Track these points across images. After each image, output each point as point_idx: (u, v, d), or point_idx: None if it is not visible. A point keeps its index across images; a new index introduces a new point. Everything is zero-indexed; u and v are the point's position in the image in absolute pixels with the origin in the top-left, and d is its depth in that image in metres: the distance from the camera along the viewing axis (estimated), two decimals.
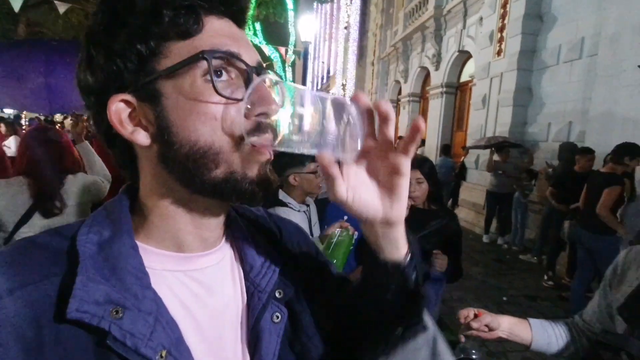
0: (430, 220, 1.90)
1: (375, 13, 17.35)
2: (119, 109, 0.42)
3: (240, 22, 0.46)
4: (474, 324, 1.03)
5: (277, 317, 0.50)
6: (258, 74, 0.43)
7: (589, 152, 4.21)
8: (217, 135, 0.41)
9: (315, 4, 12.95)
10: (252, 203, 0.47)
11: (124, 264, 0.40)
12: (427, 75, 11.86)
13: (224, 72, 0.41)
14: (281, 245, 0.58)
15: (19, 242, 0.41)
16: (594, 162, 4.17)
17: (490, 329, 1.04)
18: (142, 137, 0.42)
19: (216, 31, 0.42)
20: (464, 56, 9.63)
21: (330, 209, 2.23)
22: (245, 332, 0.49)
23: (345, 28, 22.35)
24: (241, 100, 0.41)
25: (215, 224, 0.48)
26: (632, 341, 0.87)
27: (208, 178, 0.41)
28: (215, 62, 0.40)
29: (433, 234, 1.88)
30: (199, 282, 0.47)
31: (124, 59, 0.40)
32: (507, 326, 1.07)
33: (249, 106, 0.40)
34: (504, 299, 4.02)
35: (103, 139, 0.46)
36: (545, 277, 4.51)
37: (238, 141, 0.41)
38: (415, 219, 1.98)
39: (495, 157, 5.95)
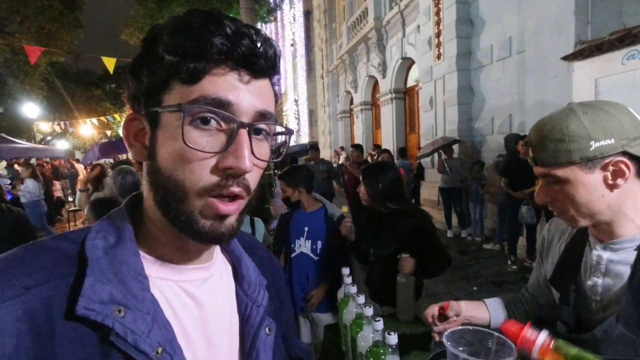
0: (397, 219, 1.93)
1: (319, 29, 17.82)
2: (130, 123, 0.48)
3: (256, 70, 0.47)
4: (450, 313, 1.07)
5: (269, 330, 0.57)
6: (251, 126, 0.45)
7: (524, 139, 4.53)
8: (188, 177, 0.44)
9: (259, 24, 13.06)
10: (204, 241, 0.49)
11: (126, 268, 0.44)
12: (376, 83, 12.29)
13: (212, 120, 0.44)
14: (261, 266, 0.63)
15: (27, 245, 0.44)
16: None
17: (456, 316, 1.09)
18: (137, 152, 0.48)
19: (217, 81, 0.44)
20: (408, 62, 10.11)
21: (293, 221, 2.21)
22: (242, 342, 0.55)
23: (292, 45, 22.72)
24: (212, 153, 0.44)
25: (202, 247, 0.52)
26: (564, 308, 0.89)
27: (170, 208, 0.45)
28: (199, 110, 0.43)
29: (405, 235, 1.90)
30: (187, 293, 0.50)
31: (141, 85, 0.46)
32: (467, 310, 1.11)
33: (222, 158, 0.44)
34: (475, 288, 4.16)
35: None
36: (509, 262, 4.74)
37: (202, 190, 0.44)
38: (381, 220, 2.00)
39: (443, 156, 6.30)
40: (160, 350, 0.43)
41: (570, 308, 0.88)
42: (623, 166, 0.74)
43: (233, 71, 0.45)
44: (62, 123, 14.74)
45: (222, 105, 0.44)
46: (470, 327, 0.71)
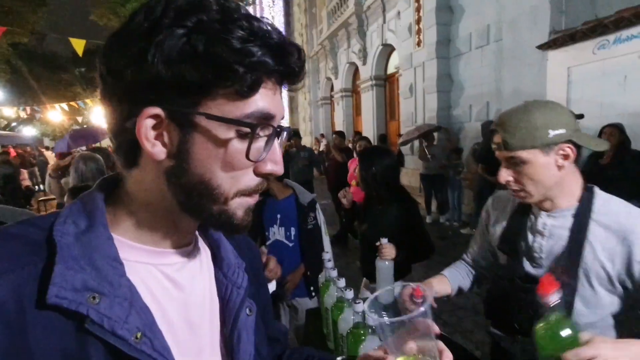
0: (387, 204, 1.99)
1: (299, 13, 17.49)
2: (148, 121, 0.42)
3: (291, 82, 0.48)
4: (431, 300, 1.09)
5: (250, 310, 0.57)
6: (280, 129, 0.48)
7: None
8: (227, 182, 0.45)
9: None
10: (228, 234, 0.57)
11: (99, 254, 0.43)
12: (357, 70, 12.25)
13: (260, 131, 0.45)
14: (238, 249, 0.63)
15: None
16: None
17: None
18: (159, 153, 0.44)
19: (266, 95, 0.44)
20: (388, 49, 10.10)
21: (265, 209, 2.18)
22: (223, 324, 0.55)
23: None
24: (257, 162, 0.45)
25: (191, 230, 0.53)
26: (516, 266, 1.11)
27: (203, 209, 0.46)
28: (261, 127, 0.44)
29: (392, 221, 1.94)
30: (167, 276, 0.50)
31: (177, 76, 0.40)
32: (435, 286, 1.28)
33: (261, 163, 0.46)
34: None
35: (112, 129, 0.45)
36: None
37: (241, 191, 0.46)
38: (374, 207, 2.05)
39: (425, 143, 6.37)
40: (139, 335, 0.42)
41: (521, 265, 1.09)
42: (569, 151, 0.96)
43: (277, 84, 0.46)
44: (27, 108, 14.00)
45: (269, 119, 0.45)
46: (388, 288, 0.76)
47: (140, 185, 0.47)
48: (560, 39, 4.47)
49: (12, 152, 10.33)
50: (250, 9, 24.30)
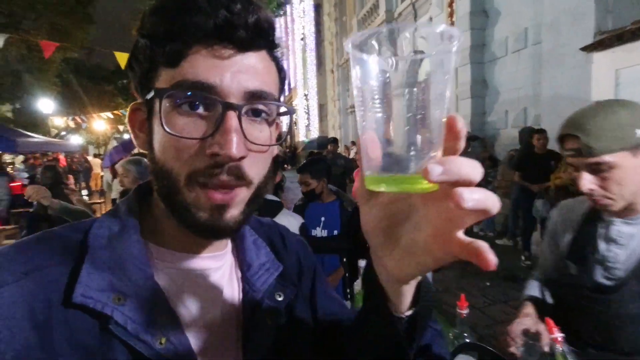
0: None
1: (329, 22, 17.68)
2: (134, 112, 0.48)
3: (238, 43, 0.42)
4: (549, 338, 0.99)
5: (271, 319, 0.51)
6: (240, 107, 0.41)
7: (540, 132, 4.43)
8: (175, 166, 0.42)
9: None
10: (209, 238, 0.48)
11: (128, 257, 0.43)
12: None
13: (200, 105, 0.41)
14: (283, 252, 0.60)
15: (42, 232, 0.44)
16: (547, 141, 4.39)
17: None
18: (141, 143, 0.47)
19: (197, 61, 0.41)
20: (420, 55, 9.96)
21: (308, 212, 2.23)
22: (239, 331, 0.51)
23: (302, 39, 22.63)
24: (196, 138, 0.41)
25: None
26: (586, 277, 1.03)
27: (172, 202, 0.43)
28: (183, 94, 0.41)
29: None
30: (196, 283, 0.48)
31: (136, 74, 0.45)
32: (535, 324, 1.07)
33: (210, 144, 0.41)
34: (487, 284, 4.10)
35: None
36: (523, 258, 4.66)
37: (190, 178, 0.42)
38: None
39: None
40: (163, 340, 0.41)
41: (592, 276, 1.02)
42: None
43: (212, 48, 0.41)
44: (76, 118, 14.99)
45: (204, 89, 0.40)
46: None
47: (154, 189, 0.48)
48: (607, 40, 4.22)
49: (62, 159, 11.07)
50: (282, 20, 24.91)
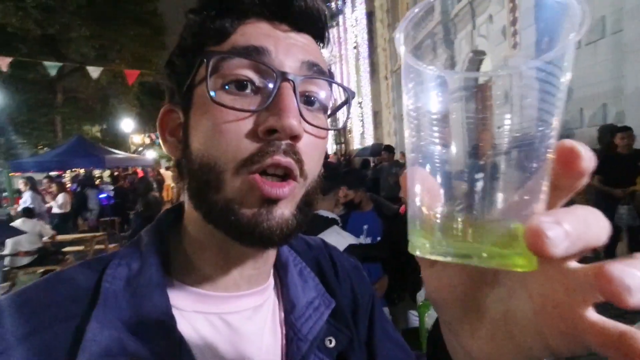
0: None
1: (382, 29, 17.61)
2: (166, 114, 0.43)
3: (294, 23, 0.39)
4: None
5: None
6: (296, 79, 0.36)
7: (624, 130, 3.97)
8: (221, 152, 0.35)
9: None
10: (256, 247, 0.39)
11: (148, 304, 0.36)
12: None
13: (249, 83, 0.36)
14: (335, 283, 0.49)
15: (48, 276, 0.39)
16: (633, 140, 3.92)
17: None
18: (171, 148, 0.41)
19: (249, 30, 0.37)
20: (479, 56, 9.52)
21: (350, 221, 2.28)
22: None
23: (355, 47, 22.79)
24: (248, 111, 0.35)
25: (249, 260, 0.42)
26: None
27: (211, 202, 0.36)
28: (235, 64, 0.36)
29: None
30: (232, 327, 0.41)
31: (174, 73, 0.42)
32: None
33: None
34: None
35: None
36: None
37: (239, 164, 0.35)
38: None
39: None
40: None
41: None
42: None
43: (266, 22, 0.38)
44: (151, 135, 16.64)
45: (257, 53, 0.35)
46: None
47: (186, 208, 0.41)
48: None
49: (140, 173, 12.35)
50: (335, 30, 25.33)
